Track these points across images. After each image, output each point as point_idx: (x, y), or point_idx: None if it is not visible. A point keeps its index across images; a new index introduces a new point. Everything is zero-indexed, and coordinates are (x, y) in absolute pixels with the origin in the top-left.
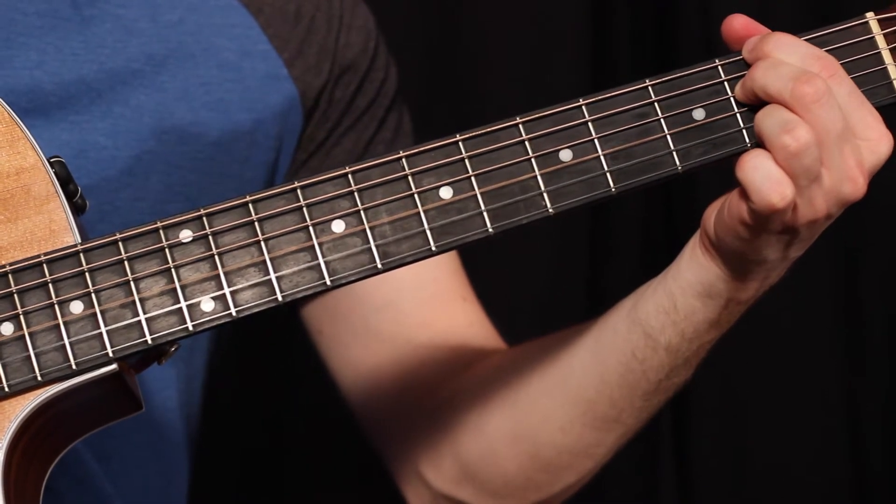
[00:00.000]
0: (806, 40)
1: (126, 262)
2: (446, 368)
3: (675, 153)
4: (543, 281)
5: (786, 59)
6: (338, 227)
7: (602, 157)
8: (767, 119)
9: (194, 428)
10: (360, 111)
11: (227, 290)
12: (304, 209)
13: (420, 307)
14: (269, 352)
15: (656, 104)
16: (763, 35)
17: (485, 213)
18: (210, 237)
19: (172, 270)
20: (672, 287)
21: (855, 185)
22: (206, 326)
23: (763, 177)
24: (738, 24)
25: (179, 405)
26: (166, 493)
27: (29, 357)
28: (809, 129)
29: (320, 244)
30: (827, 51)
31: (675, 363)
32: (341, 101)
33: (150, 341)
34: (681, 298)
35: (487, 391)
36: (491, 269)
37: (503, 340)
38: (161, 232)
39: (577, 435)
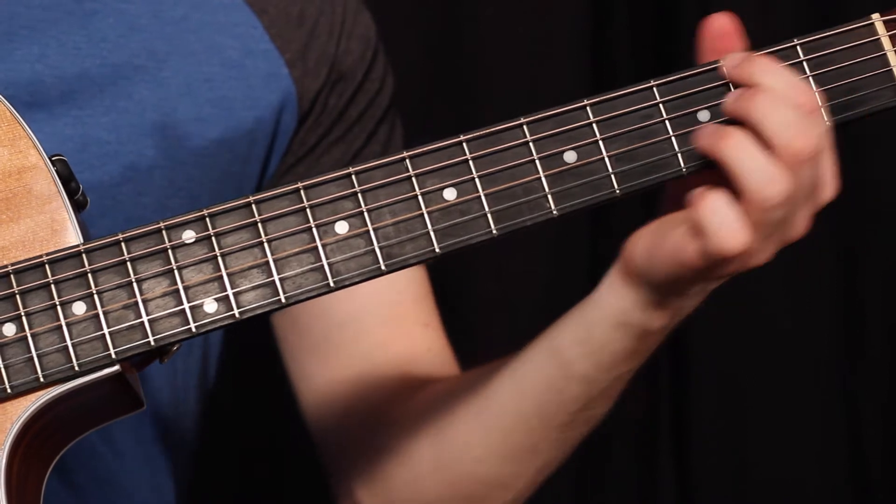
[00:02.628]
0: (811, 41)
1: (129, 263)
2: (395, 392)
3: (679, 155)
4: (543, 281)
5: (773, 86)
6: (341, 228)
7: (606, 159)
8: (750, 163)
9: (190, 419)
10: (351, 121)
11: (230, 292)
12: (308, 210)
13: (379, 328)
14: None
15: (661, 105)
16: (750, 56)
17: (489, 215)
18: (213, 238)
19: (175, 271)
20: (588, 317)
21: (800, 232)
22: (210, 328)
23: (721, 221)
24: (717, 22)
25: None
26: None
27: (31, 358)
28: (792, 183)
29: (324, 245)
30: (832, 52)
31: (591, 394)
32: (334, 109)
33: (152, 343)
34: (597, 328)
35: (419, 418)
36: (491, 268)
37: (461, 369)
38: (164, 232)
39: (495, 466)
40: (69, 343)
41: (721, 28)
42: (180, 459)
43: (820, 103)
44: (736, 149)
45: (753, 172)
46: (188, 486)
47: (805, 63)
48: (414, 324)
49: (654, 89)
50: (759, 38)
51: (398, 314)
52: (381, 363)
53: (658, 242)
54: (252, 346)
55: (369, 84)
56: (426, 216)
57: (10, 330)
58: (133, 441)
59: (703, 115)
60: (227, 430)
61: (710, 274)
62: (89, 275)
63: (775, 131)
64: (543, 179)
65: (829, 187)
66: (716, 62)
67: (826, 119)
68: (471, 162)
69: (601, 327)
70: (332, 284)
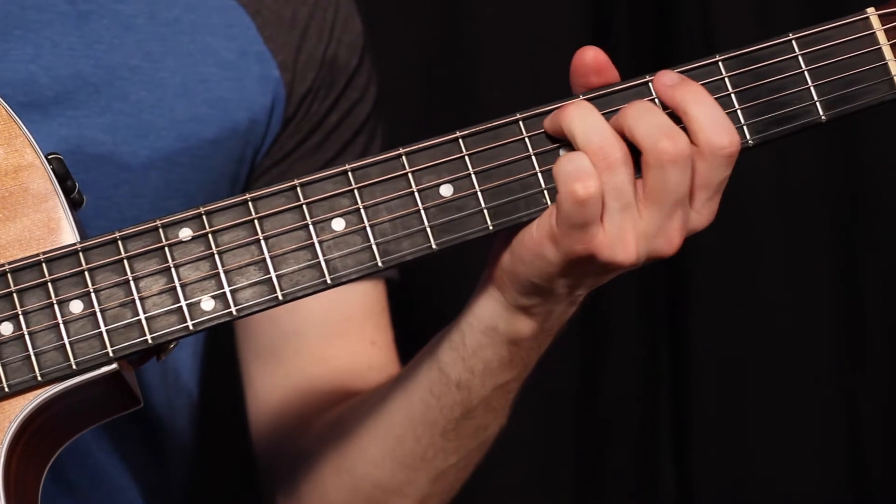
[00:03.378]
0: (808, 35)
1: (125, 261)
2: (323, 407)
3: None
4: None
5: (699, 119)
6: (338, 225)
7: None
8: (582, 122)
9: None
10: (329, 128)
11: (227, 289)
12: (304, 207)
13: (322, 342)
14: None
15: (657, 101)
16: (682, 81)
17: (485, 211)
18: (210, 236)
19: (172, 269)
20: (462, 322)
21: (669, 245)
22: (207, 325)
23: (573, 167)
24: (589, 56)
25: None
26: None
27: (29, 357)
28: (623, 149)
29: (320, 242)
30: (828, 47)
31: (469, 402)
32: (315, 115)
33: (150, 340)
34: (468, 333)
35: (329, 426)
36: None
37: None
38: (160, 230)
39: (389, 471)
40: (66, 341)
41: (594, 62)
42: (174, 457)
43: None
44: (577, 118)
45: (587, 133)
46: (183, 483)
47: (800, 57)
48: (358, 341)
49: (650, 84)
50: (759, 38)
51: (344, 330)
52: (316, 377)
53: (520, 236)
54: None
55: (350, 92)
56: (422, 212)
57: (7, 329)
58: (126, 439)
59: None
60: (222, 427)
61: (570, 247)
62: (86, 273)
63: (646, 133)
64: (540, 175)
65: (703, 216)
66: (712, 56)
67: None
68: (467, 158)
69: (472, 333)
70: (328, 281)
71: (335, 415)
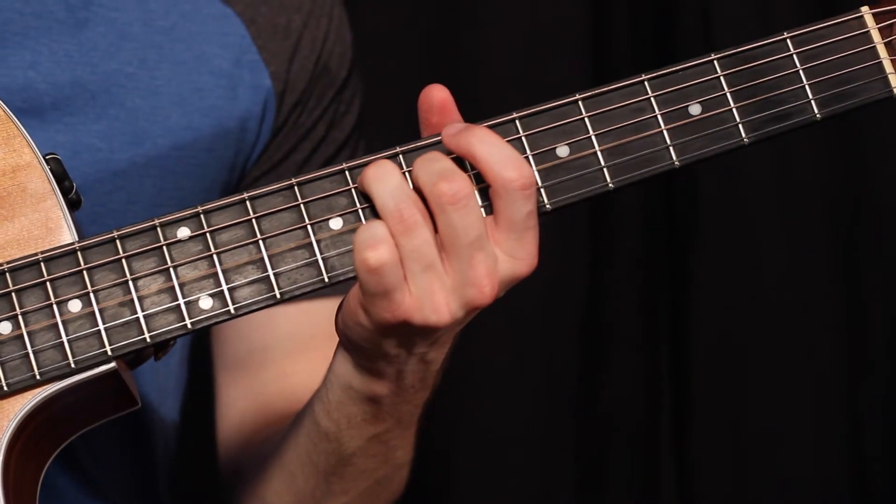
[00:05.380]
0: (802, 34)
1: (124, 261)
2: (277, 424)
3: (671, 148)
4: (543, 281)
5: (486, 157)
6: (335, 224)
7: (599, 153)
8: (381, 184)
9: (174, 410)
10: (317, 140)
11: (225, 288)
12: (302, 206)
13: (286, 358)
14: None
15: (653, 99)
16: (466, 127)
17: (483, 210)
18: (208, 235)
19: (170, 268)
20: (328, 376)
21: (481, 293)
22: (205, 324)
23: (367, 235)
24: (436, 96)
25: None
26: (152, 478)
27: (27, 356)
28: (417, 213)
29: (318, 241)
30: (823, 45)
31: (341, 451)
32: (302, 126)
33: (148, 339)
34: (330, 389)
35: (260, 448)
36: None
37: None
38: (159, 230)
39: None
40: (65, 340)
41: (439, 101)
42: (162, 460)
43: (537, 181)
44: (375, 180)
45: (378, 184)
46: (171, 486)
47: (795, 56)
48: (320, 359)
49: (646, 83)
50: (757, 38)
51: (308, 347)
52: (274, 393)
53: (345, 300)
54: None
55: (337, 105)
56: None
57: (6, 328)
58: (111, 443)
59: (695, 109)
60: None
61: (391, 332)
62: (84, 272)
63: (425, 180)
64: (536, 174)
65: (522, 260)
66: (707, 55)
67: (535, 199)
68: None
69: (332, 388)
70: (326, 280)
71: (267, 438)
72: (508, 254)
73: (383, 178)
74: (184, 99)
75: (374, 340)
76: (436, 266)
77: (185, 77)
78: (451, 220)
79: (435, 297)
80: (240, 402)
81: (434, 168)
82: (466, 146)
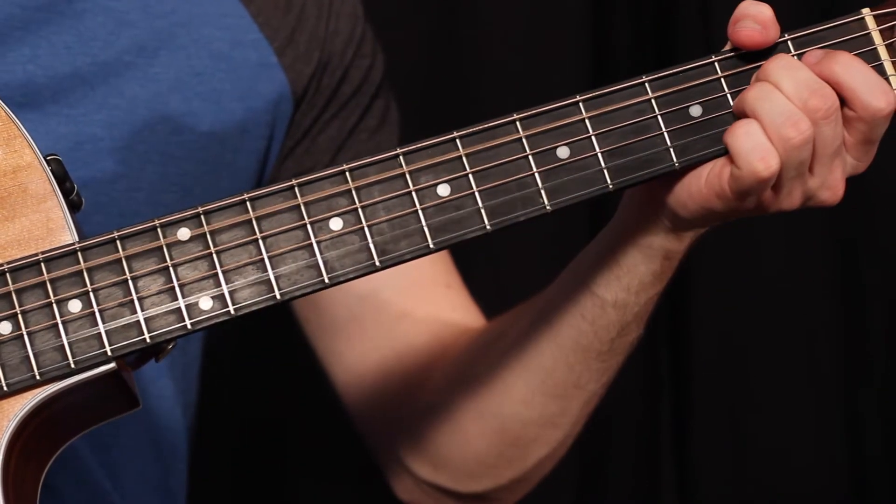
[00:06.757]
0: (803, 36)
1: (124, 261)
2: (426, 357)
3: (672, 149)
4: (544, 281)
5: (852, 86)
6: (336, 224)
7: (599, 155)
8: (767, 103)
9: (192, 417)
10: (345, 98)
11: (225, 289)
12: (302, 207)
13: (400, 296)
14: (269, 343)
15: (653, 101)
16: (826, 54)
17: (482, 211)
18: (208, 235)
19: (170, 269)
20: (612, 244)
21: (834, 195)
22: (205, 325)
23: (753, 145)
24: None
25: (175, 394)
26: (165, 485)
27: (27, 356)
28: (811, 126)
29: (318, 242)
30: (823, 47)
31: (624, 320)
32: (327, 88)
33: (148, 340)
34: (621, 253)
35: (455, 374)
36: (490, 269)
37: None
38: (159, 230)
39: (540, 405)
40: (65, 341)
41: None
42: (179, 450)
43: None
44: (783, 69)
45: (767, 102)
46: (174, 489)
47: (796, 58)
48: (434, 286)
49: (646, 84)
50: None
51: (417, 279)
52: (407, 331)
53: (685, 184)
54: (251, 337)
55: (360, 60)
56: (420, 212)
57: (6, 328)
58: (109, 444)
59: (695, 110)
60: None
61: (740, 205)
62: (85, 273)
63: (793, 93)
64: (537, 175)
65: (863, 163)
66: (708, 57)
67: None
68: (464, 158)
69: (625, 252)
70: (326, 281)
71: (459, 363)
72: (858, 158)
73: (794, 68)
74: (183, 85)
75: (711, 220)
76: (805, 174)
77: (184, 62)
78: (823, 133)
79: (793, 195)
80: (370, 355)
81: (801, 79)
82: (829, 74)
